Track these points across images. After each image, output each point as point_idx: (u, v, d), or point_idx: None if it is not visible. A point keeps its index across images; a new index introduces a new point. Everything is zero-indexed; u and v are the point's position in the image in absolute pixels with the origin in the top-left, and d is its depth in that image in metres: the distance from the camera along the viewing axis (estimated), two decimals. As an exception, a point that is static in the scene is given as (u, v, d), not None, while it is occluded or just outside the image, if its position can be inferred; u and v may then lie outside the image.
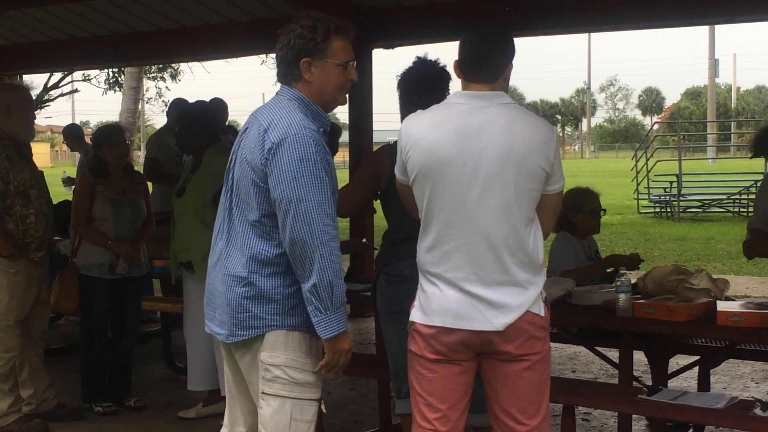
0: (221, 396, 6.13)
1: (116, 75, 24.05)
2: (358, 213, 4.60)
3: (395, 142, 4.82)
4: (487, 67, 3.67)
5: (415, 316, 3.67)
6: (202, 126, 6.19)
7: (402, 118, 4.75)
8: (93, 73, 24.67)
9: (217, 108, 9.68)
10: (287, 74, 3.69)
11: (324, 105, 3.74)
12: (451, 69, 4.38)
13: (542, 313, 3.65)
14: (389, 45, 9.12)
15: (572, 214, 6.05)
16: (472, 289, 3.56)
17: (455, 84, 4.05)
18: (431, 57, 4.76)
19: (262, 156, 3.53)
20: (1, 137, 5.99)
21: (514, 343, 3.58)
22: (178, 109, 9.60)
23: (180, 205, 6.20)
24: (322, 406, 3.78)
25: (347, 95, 3.85)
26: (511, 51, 3.77)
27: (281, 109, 3.61)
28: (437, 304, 3.60)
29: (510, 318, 3.55)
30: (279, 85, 3.78)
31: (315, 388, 3.71)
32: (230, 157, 3.77)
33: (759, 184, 5.53)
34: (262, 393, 3.66)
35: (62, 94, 28.37)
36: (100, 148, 6.52)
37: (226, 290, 3.66)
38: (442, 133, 3.58)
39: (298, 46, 3.62)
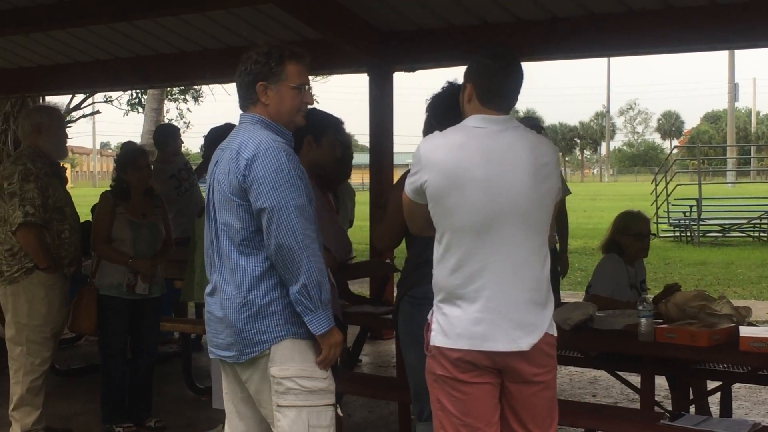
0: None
1: (138, 96, 24.17)
2: (398, 239, 4.66)
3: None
4: (513, 97, 3.79)
5: (437, 339, 3.68)
6: None
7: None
8: (115, 94, 24.79)
9: (169, 135, 9.71)
10: (246, 98, 3.92)
11: (287, 125, 3.93)
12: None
13: (554, 333, 3.73)
14: (410, 68, 9.15)
15: (620, 237, 6.15)
16: (498, 309, 3.59)
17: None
18: (460, 82, 4.79)
19: (238, 174, 3.71)
20: (38, 155, 6.15)
21: (533, 363, 3.64)
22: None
23: (200, 224, 6.22)
24: (339, 410, 3.86)
25: (303, 117, 4.00)
26: (523, 79, 3.87)
27: (247, 132, 3.82)
28: (462, 327, 3.61)
29: (534, 338, 3.61)
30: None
31: (328, 393, 3.82)
32: (207, 190, 3.94)
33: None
34: (277, 406, 3.75)
35: (84, 116, 28.54)
36: (124, 171, 6.55)
37: (228, 314, 3.78)
38: (466, 156, 3.62)
39: (254, 71, 3.86)
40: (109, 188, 6.70)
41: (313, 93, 4.03)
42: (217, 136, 6.26)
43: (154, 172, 8.76)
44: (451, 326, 3.64)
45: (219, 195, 3.81)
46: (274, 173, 3.65)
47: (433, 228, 3.79)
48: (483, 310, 3.60)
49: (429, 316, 3.81)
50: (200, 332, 8.72)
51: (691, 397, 5.97)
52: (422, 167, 3.68)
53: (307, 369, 3.76)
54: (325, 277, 3.74)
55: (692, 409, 5.94)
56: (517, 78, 3.80)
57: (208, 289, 3.92)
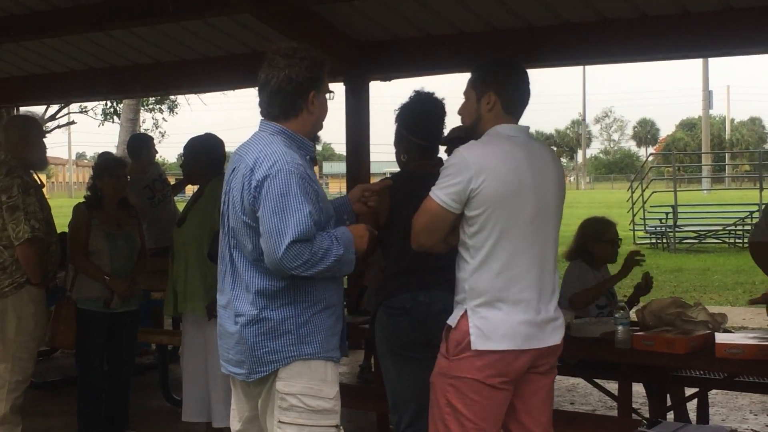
0: (215, 429, 6.13)
1: (113, 106, 24.09)
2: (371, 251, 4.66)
3: (394, 175, 4.85)
4: (524, 105, 3.95)
5: (477, 343, 3.72)
6: (207, 156, 6.18)
7: (398, 150, 4.81)
8: (90, 104, 24.75)
9: (143, 144, 9.68)
10: (289, 108, 3.74)
11: (311, 134, 3.86)
12: (449, 101, 4.50)
13: None
14: (386, 77, 9.14)
15: (592, 244, 6.19)
16: (537, 309, 3.77)
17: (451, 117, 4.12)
18: (427, 90, 4.81)
19: (249, 196, 3.62)
20: (24, 166, 5.97)
21: (556, 354, 3.91)
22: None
23: (180, 234, 6.19)
24: (341, 431, 3.81)
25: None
26: None
27: (266, 146, 3.68)
28: (506, 329, 3.72)
29: (563, 331, 3.90)
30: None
31: (332, 414, 3.76)
32: (222, 199, 3.84)
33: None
34: (279, 421, 3.70)
35: (59, 126, 28.44)
36: (100, 178, 6.51)
37: (240, 330, 3.70)
38: (517, 163, 3.75)
39: (306, 79, 3.71)
40: (82, 200, 6.64)
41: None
42: (198, 146, 6.24)
43: (132, 181, 8.75)
44: (493, 328, 3.72)
45: (233, 211, 3.72)
46: (280, 197, 3.54)
47: (445, 244, 3.85)
48: (526, 311, 3.74)
49: (453, 321, 3.81)
50: (177, 343, 8.69)
51: (669, 403, 5.99)
52: (474, 173, 3.69)
53: (314, 387, 3.69)
54: (325, 258, 3.59)
55: (670, 416, 5.97)
56: (529, 89, 3.98)
57: (222, 301, 3.84)
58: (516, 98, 3.90)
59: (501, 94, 3.86)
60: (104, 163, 6.66)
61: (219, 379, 5.60)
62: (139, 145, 9.73)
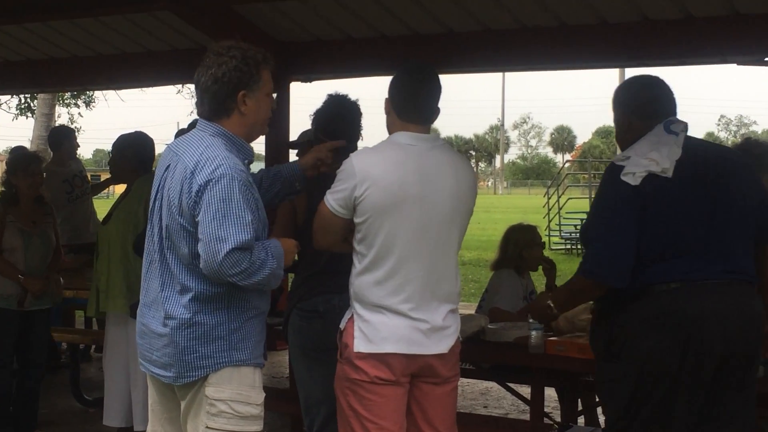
0: (124, 430, 6.04)
1: (28, 101, 23.63)
2: None
3: (313, 177, 4.83)
4: (427, 110, 3.89)
5: (360, 346, 3.77)
6: (135, 154, 6.09)
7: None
8: (4, 98, 24.20)
9: (63, 136, 9.58)
10: (219, 108, 3.66)
11: (250, 136, 3.76)
12: (363, 103, 4.53)
13: (461, 338, 3.98)
14: (307, 78, 9.11)
15: (527, 251, 6.23)
16: (421, 316, 3.77)
17: (370, 119, 4.13)
18: (341, 92, 4.84)
19: (189, 200, 3.51)
20: None
21: (447, 365, 3.88)
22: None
23: (104, 232, 6.10)
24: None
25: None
26: (441, 93, 3.99)
27: (207, 148, 3.57)
28: (387, 332, 3.75)
29: (452, 341, 3.85)
30: (194, 115, 3.77)
31: (258, 419, 3.74)
32: (153, 196, 3.74)
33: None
34: (206, 427, 3.64)
35: (-29, 119, 27.81)
36: (15, 175, 6.37)
37: (171, 333, 3.62)
38: (405, 174, 3.74)
39: (235, 79, 3.60)
40: None
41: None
42: (126, 144, 6.15)
43: (47, 174, 8.60)
44: (375, 332, 3.75)
45: (168, 211, 3.61)
46: (221, 203, 3.45)
47: (343, 244, 3.89)
48: (408, 316, 3.74)
49: (343, 324, 3.88)
50: (88, 342, 8.58)
51: (580, 408, 6.07)
52: (358, 181, 3.72)
53: (243, 393, 3.65)
54: (261, 269, 3.54)
55: (581, 420, 6.05)
56: (432, 91, 3.92)
57: (146, 299, 3.76)
58: (408, 104, 3.87)
59: (393, 99, 3.90)
60: (18, 159, 6.52)
61: (139, 380, 5.52)
62: (60, 136, 9.63)
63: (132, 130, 6.34)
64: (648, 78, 4.20)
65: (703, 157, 3.96)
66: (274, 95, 3.80)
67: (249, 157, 3.73)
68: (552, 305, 4.32)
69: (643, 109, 4.04)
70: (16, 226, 6.31)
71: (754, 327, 3.87)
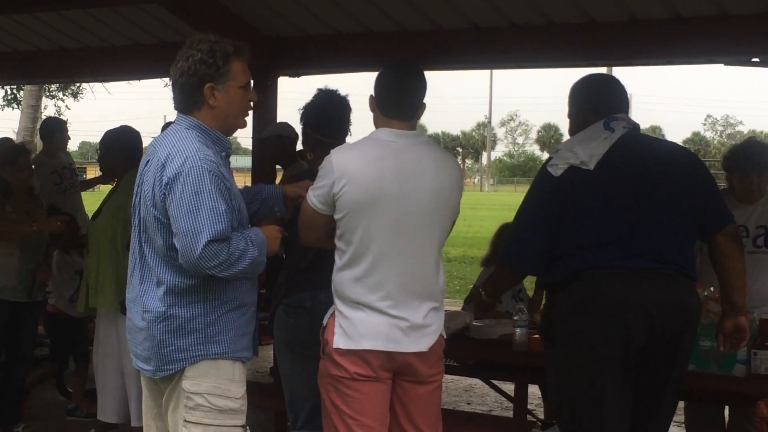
0: (111, 425, 6.03)
1: (14, 92, 23.55)
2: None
3: (300, 173, 4.86)
4: (409, 106, 3.88)
5: (339, 342, 3.78)
6: (122, 149, 6.05)
7: (307, 148, 4.82)
8: (-11, 89, 24.13)
9: (56, 127, 9.60)
10: (189, 102, 3.66)
11: (226, 129, 3.73)
12: (352, 99, 4.53)
13: (444, 335, 3.96)
14: (295, 73, 9.10)
15: None
16: (400, 314, 3.76)
17: (358, 114, 4.14)
18: (331, 87, 4.83)
19: (161, 191, 3.52)
20: None
21: (428, 364, 3.86)
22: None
23: (94, 227, 6.08)
24: (247, 431, 3.78)
25: (247, 119, 3.88)
26: (425, 89, 3.98)
27: (179, 141, 3.58)
28: (365, 329, 3.75)
29: (432, 339, 3.83)
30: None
31: (238, 414, 3.72)
32: (135, 191, 3.75)
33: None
34: (185, 420, 3.64)
35: (-44, 110, 27.68)
36: (3, 170, 6.34)
37: (147, 326, 3.64)
38: (382, 171, 3.74)
39: (200, 72, 3.60)
40: None
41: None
42: (112, 140, 6.12)
43: (36, 164, 8.60)
44: (354, 328, 3.76)
45: (144, 207, 3.63)
46: (194, 195, 3.45)
47: (329, 240, 3.89)
48: (387, 314, 3.74)
49: (325, 320, 3.89)
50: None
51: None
52: (336, 178, 3.73)
53: (221, 387, 3.65)
54: (241, 260, 3.54)
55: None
56: (416, 87, 3.92)
57: (131, 295, 3.77)
58: (390, 100, 3.89)
59: (377, 95, 3.92)
60: (6, 154, 6.49)
61: (133, 376, 5.50)
62: (52, 127, 9.66)
63: (118, 124, 6.31)
64: (602, 76, 4.42)
65: (638, 153, 4.09)
66: (252, 85, 3.78)
67: (225, 149, 3.73)
68: (482, 292, 4.61)
69: (596, 106, 4.19)
70: (12, 218, 6.27)
71: (679, 316, 3.98)
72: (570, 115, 4.34)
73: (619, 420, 3.96)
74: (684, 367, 4.13)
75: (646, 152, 4.13)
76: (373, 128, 3.96)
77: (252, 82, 3.79)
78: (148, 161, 3.68)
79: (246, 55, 3.73)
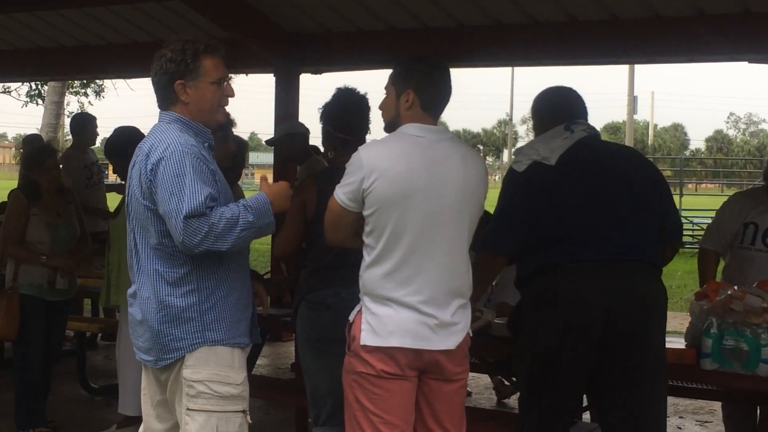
0: (134, 419, 6.05)
1: (38, 88, 23.66)
2: (300, 246, 4.72)
3: (323, 171, 4.86)
4: (444, 103, 3.95)
5: (367, 339, 3.76)
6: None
7: (326, 147, 4.82)
8: (14, 85, 24.23)
9: (86, 122, 9.68)
10: (165, 98, 3.82)
11: (207, 122, 3.85)
12: (372, 96, 4.52)
13: (471, 333, 3.94)
14: (317, 70, 9.12)
15: None
16: (429, 311, 3.74)
17: (378, 112, 4.13)
18: (350, 86, 4.84)
19: (146, 178, 3.63)
20: None
21: (455, 362, 3.85)
22: (85, 126, 9.50)
23: (115, 224, 6.11)
24: (248, 417, 3.82)
25: (227, 113, 4.05)
26: None
27: (161, 133, 3.72)
28: (394, 326, 3.73)
29: (460, 337, 3.83)
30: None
31: (240, 399, 3.77)
32: (126, 191, 3.86)
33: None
34: (187, 409, 3.70)
35: (-20, 106, 27.84)
36: (32, 172, 6.34)
37: (144, 318, 3.73)
38: (412, 165, 3.74)
39: (170, 70, 3.75)
40: (18, 187, 6.47)
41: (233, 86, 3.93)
42: (123, 143, 6.09)
43: (68, 158, 8.66)
44: (382, 325, 3.74)
45: (134, 199, 3.74)
46: (175, 178, 3.55)
47: (354, 239, 3.88)
48: (417, 311, 3.72)
49: (352, 317, 3.87)
50: (95, 330, 8.59)
51: (586, 404, 6.07)
52: (366, 173, 3.73)
53: (221, 374, 3.71)
54: (236, 225, 3.56)
55: (586, 416, 6.05)
56: (450, 87, 3.99)
57: (130, 291, 3.86)
58: (435, 97, 3.92)
59: (420, 92, 3.88)
60: (33, 156, 6.47)
61: (128, 365, 5.54)
62: (82, 122, 9.79)
63: (140, 121, 6.34)
64: (560, 87, 4.63)
65: (598, 151, 4.37)
66: (228, 81, 3.87)
67: (207, 140, 3.83)
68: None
69: (556, 114, 4.41)
70: (43, 219, 6.27)
71: (640, 307, 4.11)
72: (534, 128, 4.57)
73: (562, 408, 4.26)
74: (658, 355, 4.24)
75: (605, 151, 4.45)
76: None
77: (229, 77, 3.88)
78: (134, 163, 3.80)
79: (220, 52, 3.83)
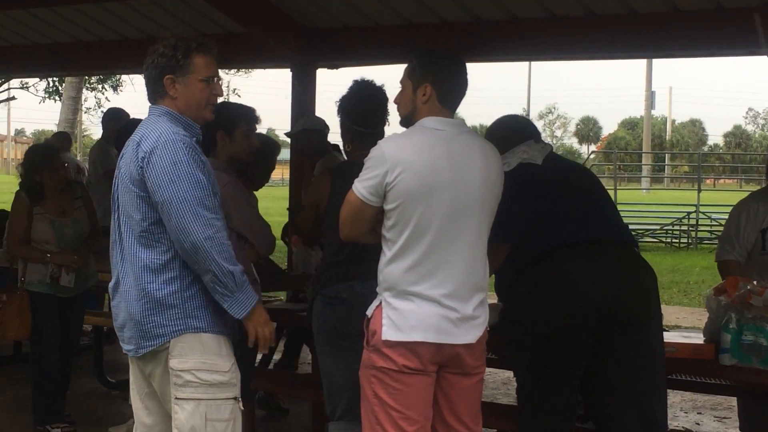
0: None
1: (56, 84, 23.74)
2: (314, 239, 4.78)
3: (338, 166, 4.86)
4: (461, 97, 3.97)
5: (388, 333, 3.75)
6: None
7: (345, 140, 4.81)
8: (31, 80, 24.33)
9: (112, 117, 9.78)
10: (154, 92, 3.89)
11: (195, 117, 3.92)
12: (389, 91, 4.52)
13: (489, 328, 3.95)
14: (333, 65, 9.10)
15: None
16: (452, 304, 3.75)
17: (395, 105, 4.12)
18: (367, 78, 4.83)
19: (137, 166, 3.69)
20: None
21: (474, 356, 3.86)
22: (117, 121, 9.55)
23: None
24: (240, 404, 3.84)
25: (212, 111, 4.03)
26: None
27: (151, 124, 3.80)
28: (416, 320, 3.72)
29: (480, 331, 3.85)
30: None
31: (229, 386, 3.80)
32: (113, 183, 3.90)
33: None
34: (176, 399, 3.74)
35: (-1, 101, 27.94)
36: (40, 174, 6.34)
37: (127, 306, 3.76)
38: (435, 158, 3.74)
39: (160, 65, 3.84)
40: (21, 188, 6.45)
41: (222, 85, 4.01)
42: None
43: (101, 150, 8.74)
44: (404, 320, 3.73)
45: (122, 187, 3.79)
46: (172, 165, 3.63)
47: (371, 234, 3.86)
48: (437, 305, 3.72)
49: (370, 312, 3.85)
50: (112, 324, 8.60)
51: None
52: (390, 167, 3.71)
53: (208, 362, 3.74)
54: (235, 263, 3.69)
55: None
56: (467, 80, 4.00)
57: (111, 283, 3.90)
58: (452, 90, 3.92)
59: (438, 86, 3.87)
60: (40, 158, 6.44)
61: None
62: (110, 117, 9.96)
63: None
64: (514, 115, 5.16)
65: (561, 160, 4.81)
66: (217, 80, 3.94)
67: (196, 135, 3.88)
68: None
69: (519, 134, 4.65)
70: (47, 218, 6.29)
71: (637, 288, 4.25)
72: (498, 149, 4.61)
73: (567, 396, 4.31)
74: (656, 335, 4.38)
75: (564, 163, 4.89)
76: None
77: (219, 76, 3.96)
78: (122, 155, 3.87)
79: (213, 51, 3.90)
